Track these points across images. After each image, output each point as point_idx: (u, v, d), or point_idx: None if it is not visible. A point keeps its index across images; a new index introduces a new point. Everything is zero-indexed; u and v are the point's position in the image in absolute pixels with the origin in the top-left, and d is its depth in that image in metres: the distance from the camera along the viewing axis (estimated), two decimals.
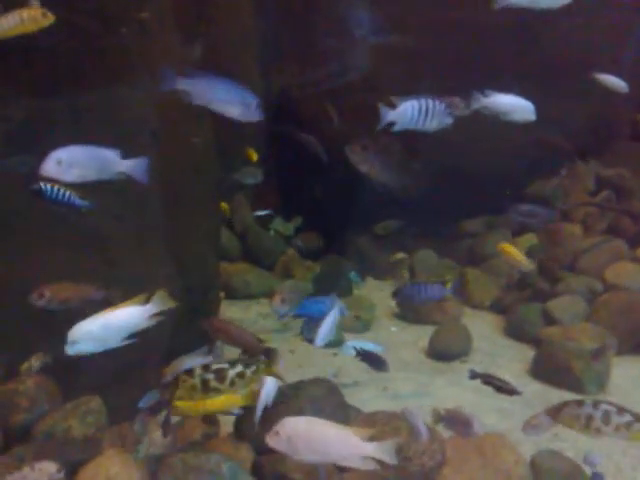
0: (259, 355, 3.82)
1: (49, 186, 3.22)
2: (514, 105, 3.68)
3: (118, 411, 3.88)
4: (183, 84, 2.92)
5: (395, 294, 4.83)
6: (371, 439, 2.65)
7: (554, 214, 5.25)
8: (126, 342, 3.02)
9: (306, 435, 2.67)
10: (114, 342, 2.98)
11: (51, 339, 3.77)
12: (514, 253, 5.59)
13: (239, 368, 3.29)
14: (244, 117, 3.01)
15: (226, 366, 3.28)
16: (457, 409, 4.35)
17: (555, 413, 3.16)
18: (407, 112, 3.28)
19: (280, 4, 7.13)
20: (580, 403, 3.11)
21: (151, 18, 4.29)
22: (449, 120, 3.34)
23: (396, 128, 3.31)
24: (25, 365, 3.76)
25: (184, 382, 3.28)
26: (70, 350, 2.92)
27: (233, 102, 2.99)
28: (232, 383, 3.27)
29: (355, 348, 4.89)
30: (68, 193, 3.26)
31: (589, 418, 3.05)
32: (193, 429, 3.98)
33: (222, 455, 3.50)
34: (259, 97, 3.01)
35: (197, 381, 3.26)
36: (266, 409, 3.49)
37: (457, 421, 4.18)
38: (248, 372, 3.30)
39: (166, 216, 4.42)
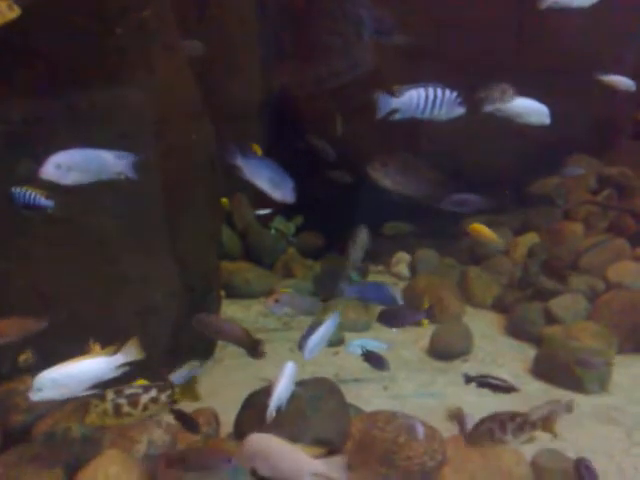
0: (249, 347, 3.81)
1: (18, 189, 3.25)
2: (528, 108, 3.66)
3: None
4: (240, 161, 3.36)
5: (378, 318, 5.05)
6: (320, 457, 2.89)
7: (487, 202, 5.26)
8: (91, 392, 3.06)
9: (264, 452, 2.85)
10: (79, 391, 3.03)
11: (52, 335, 3.79)
12: (485, 232, 5.58)
13: (153, 393, 3.30)
14: (281, 197, 3.42)
15: (140, 391, 3.29)
16: (458, 409, 4.37)
17: (470, 441, 3.28)
18: (412, 100, 3.21)
19: (283, 1, 7.12)
20: (482, 421, 3.30)
21: (152, 16, 4.28)
22: (460, 110, 3.25)
23: (399, 116, 3.25)
24: (22, 356, 3.76)
25: (95, 407, 3.28)
26: (34, 397, 2.97)
27: (275, 183, 3.40)
28: (145, 408, 3.28)
29: (361, 349, 4.92)
30: (34, 195, 3.28)
31: (490, 432, 3.24)
32: None
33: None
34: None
35: (109, 406, 3.26)
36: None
37: (459, 421, 4.21)
38: (162, 397, 3.31)
39: (167, 215, 4.41)
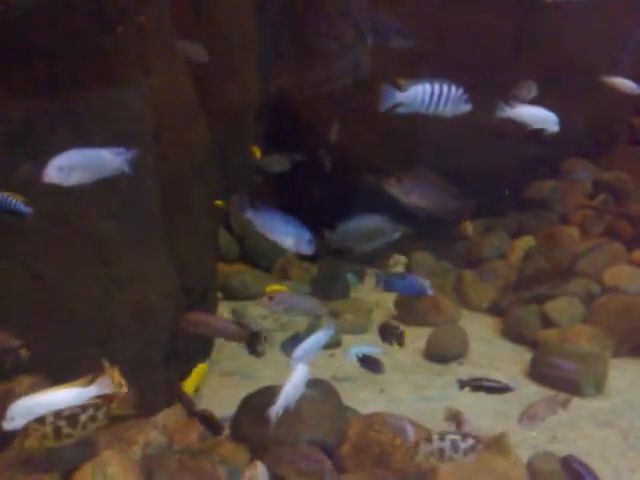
0: (246, 340, 3.79)
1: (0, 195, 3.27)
2: (538, 116, 3.70)
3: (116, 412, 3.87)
4: (251, 215, 3.42)
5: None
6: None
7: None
8: None
9: None
10: None
11: (51, 337, 3.78)
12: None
13: (91, 411, 3.30)
14: (298, 249, 3.43)
15: (78, 411, 3.27)
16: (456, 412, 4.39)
17: (412, 455, 3.39)
18: (417, 95, 3.18)
19: (281, 4, 7.12)
20: (429, 439, 3.35)
21: (150, 18, 4.28)
22: (466, 107, 3.23)
23: (402, 111, 3.21)
24: (23, 350, 3.75)
25: (35, 430, 3.25)
26: (8, 425, 2.95)
27: (290, 235, 3.42)
28: (84, 427, 3.29)
29: (357, 355, 4.96)
30: (14, 200, 3.30)
31: (440, 451, 3.31)
32: (190, 430, 3.98)
33: (219, 456, 3.49)
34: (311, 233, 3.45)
35: (49, 429, 3.25)
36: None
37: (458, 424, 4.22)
38: (100, 414, 3.31)
39: (164, 216, 4.41)
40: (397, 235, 4.42)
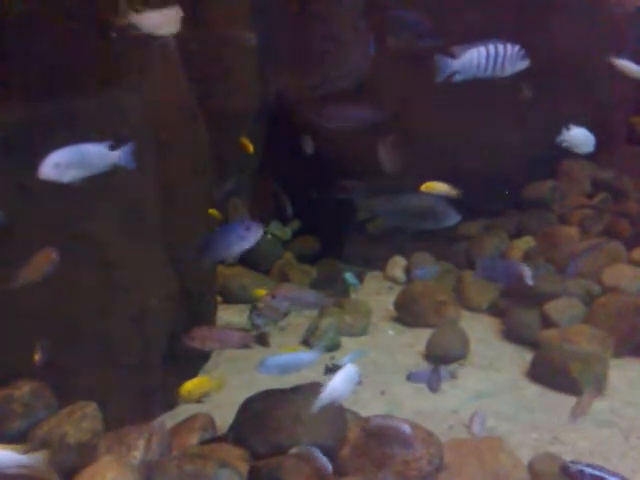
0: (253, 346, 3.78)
1: None
2: (583, 138, 4.04)
3: (115, 417, 3.87)
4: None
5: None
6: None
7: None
8: None
9: None
10: None
11: (49, 338, 3.77)
12: (437, 186, 5.61)
13: None
14: (248, 241, 3.46)
15: None
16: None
17: None
18: (472, 60, 3.10)
19: (278, 5, 7.12)
20: None
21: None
22: (524, 64, 3.19)
23: (459, 78, 3.13)
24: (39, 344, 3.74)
25: None
26: None
27: (233, 240, 3.46)
28: None
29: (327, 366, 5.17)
30: None
31: None
32: (190, 434, 3.97)
33: (218, 460, 3.48)
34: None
35: None
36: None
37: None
38: None
39: (162, 219, 4.41)
40: (456, 220, 4.22)
